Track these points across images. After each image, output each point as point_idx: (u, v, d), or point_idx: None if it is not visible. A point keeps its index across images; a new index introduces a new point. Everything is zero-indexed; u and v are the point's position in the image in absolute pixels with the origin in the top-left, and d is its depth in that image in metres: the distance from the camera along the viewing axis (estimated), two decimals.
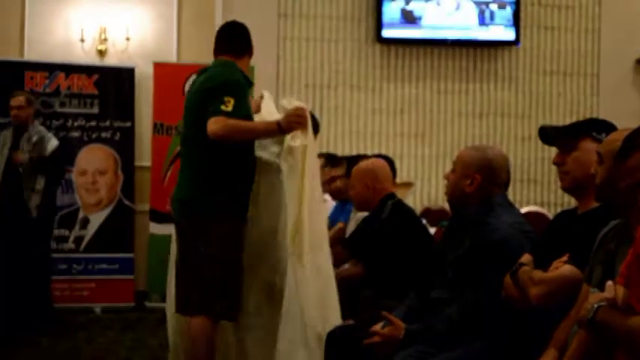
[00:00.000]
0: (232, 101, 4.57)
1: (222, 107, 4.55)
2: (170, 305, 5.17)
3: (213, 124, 4.54)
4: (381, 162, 5.54)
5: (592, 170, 3.24)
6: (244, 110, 4.68)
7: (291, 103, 4.83)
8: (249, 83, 4.92)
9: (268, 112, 5.04)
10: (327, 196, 6.89)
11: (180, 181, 4.93)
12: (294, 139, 4.72)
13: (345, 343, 4.43)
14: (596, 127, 3.57)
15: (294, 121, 4.69)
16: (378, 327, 4.42)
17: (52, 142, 7.76)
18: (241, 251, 4.77)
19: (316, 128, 5.33)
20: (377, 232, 5.14)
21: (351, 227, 5.83)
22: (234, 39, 4.97)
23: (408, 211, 5.36)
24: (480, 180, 4.10)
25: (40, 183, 7.63)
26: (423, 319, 4.10)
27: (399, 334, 4.05)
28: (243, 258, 4.78)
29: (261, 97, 5.15)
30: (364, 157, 6.29)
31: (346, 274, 5.29)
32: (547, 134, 3.78)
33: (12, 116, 7.69)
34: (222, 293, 4.66)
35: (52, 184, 7.85)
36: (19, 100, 7.72)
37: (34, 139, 7.66)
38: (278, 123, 4.70)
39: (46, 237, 7.97)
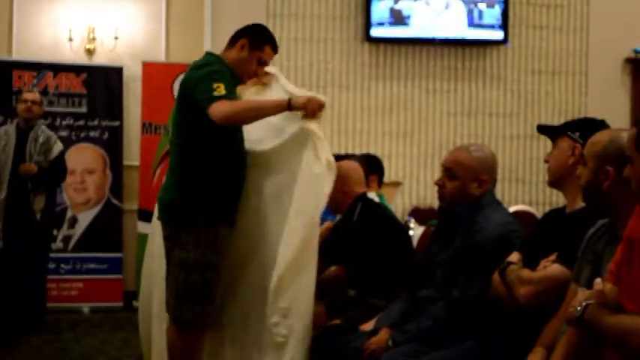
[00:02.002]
0: (222, 86, 4.39)
1: (216, 93, 4.35)
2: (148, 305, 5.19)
3: (217, 110, 4.32)
4: (352, 164, 5.49)
5: (565, 167, 3.56)
6: (234, 96, 4.52)
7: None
8: (233, 76, 4.68)
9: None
10: None
11: (164, 181, 4.83)
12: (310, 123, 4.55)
13: (332, 342, 4.44)
14: (572, 126, 3.66)
15: (310, 107, 4.54)
16: (367, 326, 4.44)
17: (58, 145, 7.74)
18: (221, 256, 4.58)
19: None
20: (350, 235, 5.13)
21: None
22: (234, 35, 4.81)
23: (378, 209, 5.35)
24: (488, 181, 4.12)
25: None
26: (412, 320, 4.11)
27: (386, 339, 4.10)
28: (222, 263, 4.60)
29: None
30: (352, 156, 6.28)
31: (330, 276, 5.27)
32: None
33: (24, 109, 7.61)
34: (194, 300, 4.52)
35: (53, 188, 7.87)
36: (35, 95, 7.68)
37: (41, 139, 7.61)
38: (289, 99, 4.52)
39: (47, 240, 7.98)
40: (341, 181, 5.26)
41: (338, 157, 6.18)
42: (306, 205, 4.55)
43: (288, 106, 4.52)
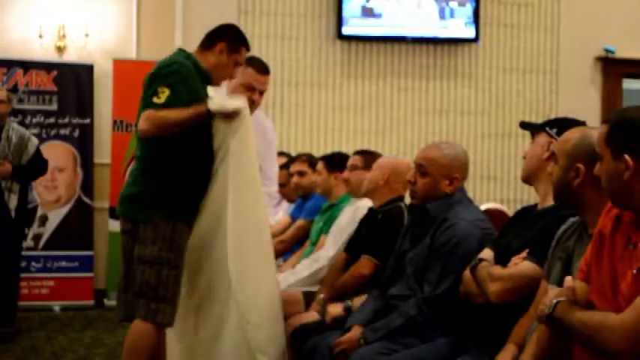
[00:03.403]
0: (167, 92, 4.39)
1: (154, 99, 4.39)
2: None
3: (143, 122, 4.41)
4: (408, 165, 5.10)
5: (538, 161, 3.60)
6: (184, 97, 4.45)
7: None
8: (203, 77, 4.65)
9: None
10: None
11: (127, 178, 4.78)
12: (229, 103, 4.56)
13: (305, 340, 4.44)
14: (550, 123, 3.69)
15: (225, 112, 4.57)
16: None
17: (33, 141, 7.65)
18: (180, 253, 4.50)
19: (266, 70, 5.30)
20: (394, 234, 4.70)
21: (344, 218, 5.49)
22: (207, 34, 4.76)
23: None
24: (459, 178, 4.14)
25: (17, 184, 7.51)
26: (384, 318, 4.11)
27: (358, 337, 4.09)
28: (182, 260, 4.52)
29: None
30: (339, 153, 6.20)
31: (356, 275, 4.94)
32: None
33: None
34: (148, 296, 4.41)
35: (26, 186, 7.78)
36: (2, 92, 7.60)
37: (14, 139, 7.52)
38: (208, 108, 4.49)
39: (20, 239, 7.88)
40: (390, 172, 5.02)
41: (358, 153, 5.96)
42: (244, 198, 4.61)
43: (208, 112, 4.50)
